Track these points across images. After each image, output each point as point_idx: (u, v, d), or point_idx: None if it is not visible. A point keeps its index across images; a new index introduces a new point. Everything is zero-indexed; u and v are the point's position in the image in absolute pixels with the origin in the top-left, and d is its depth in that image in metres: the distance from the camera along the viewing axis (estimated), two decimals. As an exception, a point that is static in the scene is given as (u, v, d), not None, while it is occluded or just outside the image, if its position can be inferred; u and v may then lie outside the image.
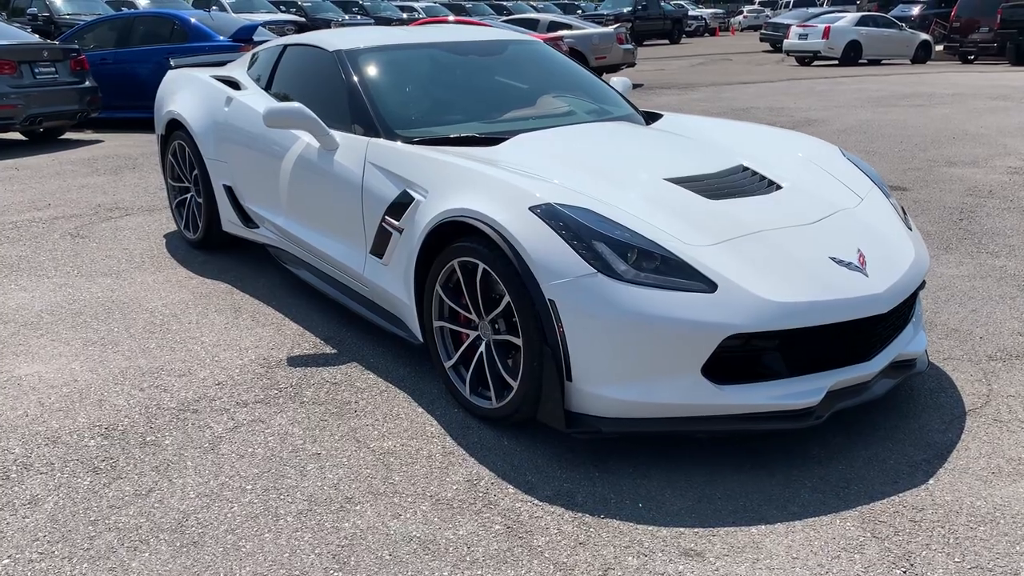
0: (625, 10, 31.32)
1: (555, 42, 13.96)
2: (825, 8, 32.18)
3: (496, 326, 3.02)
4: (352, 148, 3.79)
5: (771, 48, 28.45)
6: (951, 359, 3.64)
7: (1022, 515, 2.55)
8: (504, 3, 35.73)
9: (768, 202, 3.22)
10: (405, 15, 28.25)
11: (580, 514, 2.60)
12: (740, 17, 48.04)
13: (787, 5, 39.21)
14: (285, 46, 4.93)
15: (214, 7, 19.63)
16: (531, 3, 38.17)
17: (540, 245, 2.79)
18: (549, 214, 2.84)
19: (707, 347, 2.67)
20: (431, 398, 3.36)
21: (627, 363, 2.71)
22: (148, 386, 3.51)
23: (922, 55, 22.72)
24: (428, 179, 3.34)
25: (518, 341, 2.88)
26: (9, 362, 3.75)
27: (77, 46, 10.43)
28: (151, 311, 4.36)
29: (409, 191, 3.39)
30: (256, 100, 4.68)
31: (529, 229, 2.83)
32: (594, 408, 2.78)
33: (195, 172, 5.12)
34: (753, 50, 29.24)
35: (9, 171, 8.20)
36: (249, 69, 5.19)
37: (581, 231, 2.79)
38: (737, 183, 3.35)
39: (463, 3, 33.30)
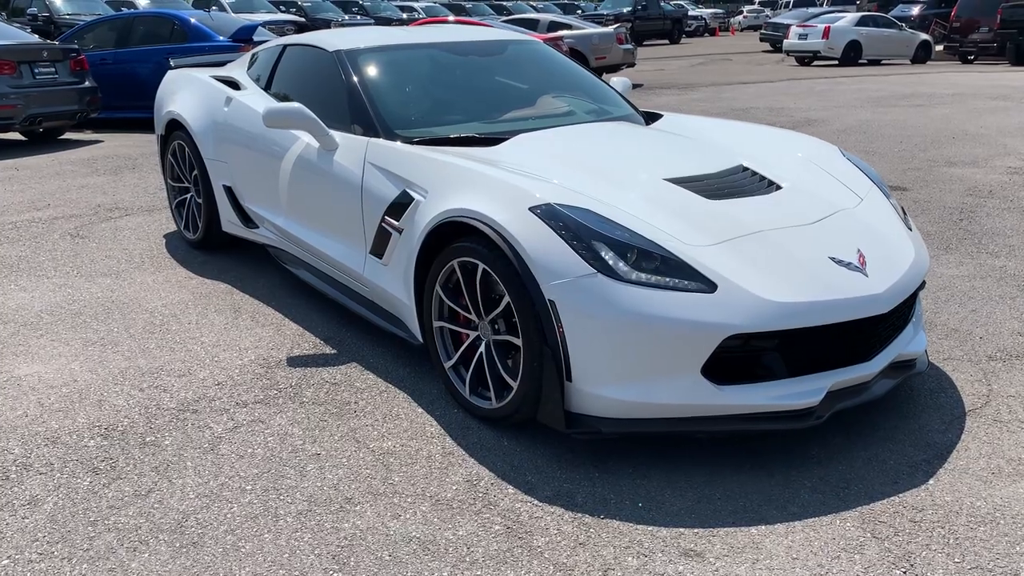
0: (625, 10, 31.32)
1: (555, 42, 13.96)
2: (825, 8, 32.18)
3: (496, 326, 3.02)
4: (352, 148, 3.79)
5: (771, 48, 28.45)
6: (951, 359, 3.64)
7: (1022, 515, 2.55)
8: (504, 3, 35.73)
9: (768, 202, 3.22)
10: (405, 15, 28.25)
11: (580, 514, 2.60)
12: (740, 17, 48.05)
13: (787, 5, 39.21)
14: (285, 46, 4.93)
15: (214, 7, 19.63)
16: (531, 3, 38.18)
17: (540, 245, 2.79)
18: (549, 214, 2.84)
19: (707, 347, 2.66)
20: (431, 398, 3.36)
21: (627, 363, 2.71)
22: (148, 386, 3.50)
23: (922, 55, 22.72)
24: (428, 179, 3.34)
25: (518, 341, 2.88)
26: (9, 362, 3.75)
27: (77, 46, 10.43)
28: (151, 311, 4.36)
29: (409, 191, 3.39)
30: (256, 100, 4.68)
31: (529, 229, 2.83)
32: (594, 408, 2.77)
33: (195, 172, 5.12)
34: (753, 50, 29.24)
35: (9, 171, 8.20)
36: (249, 69, 5.19)
37: (581, 231, 2.79)
38: (737, 183, 3.35)
39: (463, 3, 33.30)
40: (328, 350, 3.85)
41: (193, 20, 11.23)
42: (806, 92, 14.42)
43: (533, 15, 19.92)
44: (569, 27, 17.13)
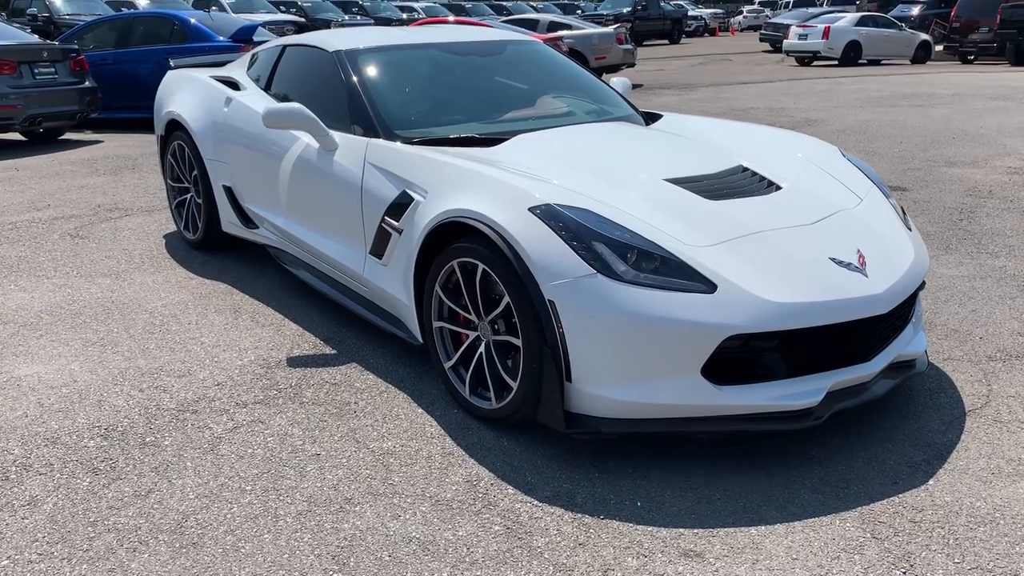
0: (625, 10, 31.33)
1: (555, 42, 13.96)
2: (825, 8, 32.18)
3: (496, 327, 3.02)
4: (351, 148, 3.79)
5: (771, 48, 28.46)
6: (951, 359, 3.64)
7: (1022, 516, 2.55)
8: (504, 3, 35.73)
9: (768, 202, 3.22)
10: (405, 15, 28.25)
11: (580, 515, 2.60)
12: (740, 17, 48.05)
13: (787, 5, 39.23)
14: (285, 46, 4.93)
15: (214, 7, 19.63)
16: (531, 3, 38.19)
17: (540, 246, 2.79)
18: (549, 215, 2.84)
19: (707, 348, 2.66)
20: (431, 399, 3.36)
21: (627, 364, 2.71)
22: (148, 387, 3.50)
23: (922, 55, 22.72)
24: (428, 180, 3.34)
25: (518, 342, 2.88)
26: (8, 363, 3.75)
27: (77, 46, 10.43)
28: (151, 312, 4.36)
29: (408, 192, 3.39)
30: (256, 100, 4.68)
31: (529, 230, 2.83)
32: (594, 409, 2.77)
33: (195, 172, 5.12)
34: (753, 50, 29.24)
35: (9, 171, 8.20)
36: (249, 69, 5.19)
37: (581, 232, 2.79)
38: (737, 183, 3.35)
39: (463, 3, 33.31)
40: (328, 350, 3.85)
41: (193, 20, 11.23)
42: (806, 92, 14.42)
43: (533, 15, 19.92)
44: (569, 27, 17.13)
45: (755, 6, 49.85)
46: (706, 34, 42.86)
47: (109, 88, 10.66)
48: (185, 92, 5.32)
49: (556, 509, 2.63)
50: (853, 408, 2.93)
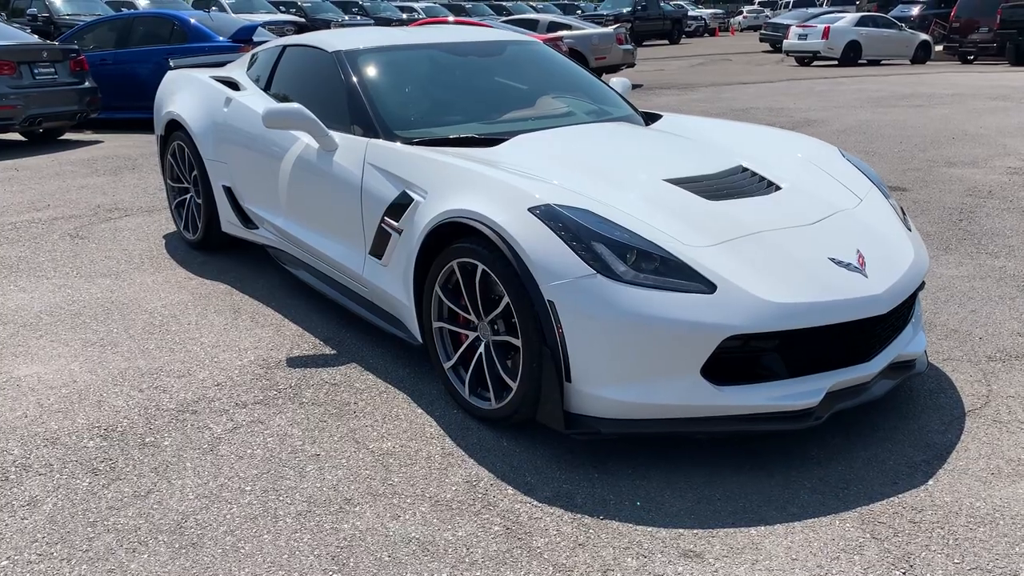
0: (625, 10, 31.33)
1: (555, 42, 13.96)
2: (825, 8, 32.18)
3: (495, 327, 3.02)
4: (351, 149, 3.79)
5: (771, 48, 28.46)
6: (951, 360, 3.64)
7: (1021, 516, 2.55)
8: (504, 3, 35.74)
9: (767, 203, 3.22)
10: (405, 16, 28.25)
11: (579, 515, 2.60)
12: (740, 17, 48.06)
13: (787, 5, 39.24)
14: (284, 47, 4.93)
15: (214, 7, 19.64)
16: (531, 3, 38.19)
17: (539, 246, 2.79)
18: (548, 215, 2.84)
19: (706, 348, 2.66)
20: (430, 399, 3.36)
21: (626, 364, 2.70)
22: (147, 387, 3.50)
23: (922, 55, 22.72)
24: (427, 180, 3.34)
25: (517, 342, 2.88)
26: (8, 363, 3.75)
27: (77, 47, 10.43)
28: (150, 312, 4.36)
29: (408, 192, 3.39)
30: (255, 101, 4.68)
31: (528, 230, 2.83)
32: (593, 409, 2.77)
33: (194, 173, 5.12)
34: (753, 50, 29.24)
35: (9, 172, 8.20)
36: (248, 70, 5.19)
37: (580, 232, 2.79)
38: (736, 184, 3.35)
39: (463, 3, 33.31)
40: (328, 351, 3.85)
41: (193, 20, 11.23)
42: (806, 92, 14.42)
43: (533, 15, 19.93)
44: (569, 27, 17.13)
45: (755, 6, 49.86)
46: (706, 34, 42.86)
47: (109, 88, 10.67)
48: (185, 92, 5.32)
49: (556, 509, 2.63)
50: (853, 408, 2.93)
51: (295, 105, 3.85)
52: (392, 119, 3.87)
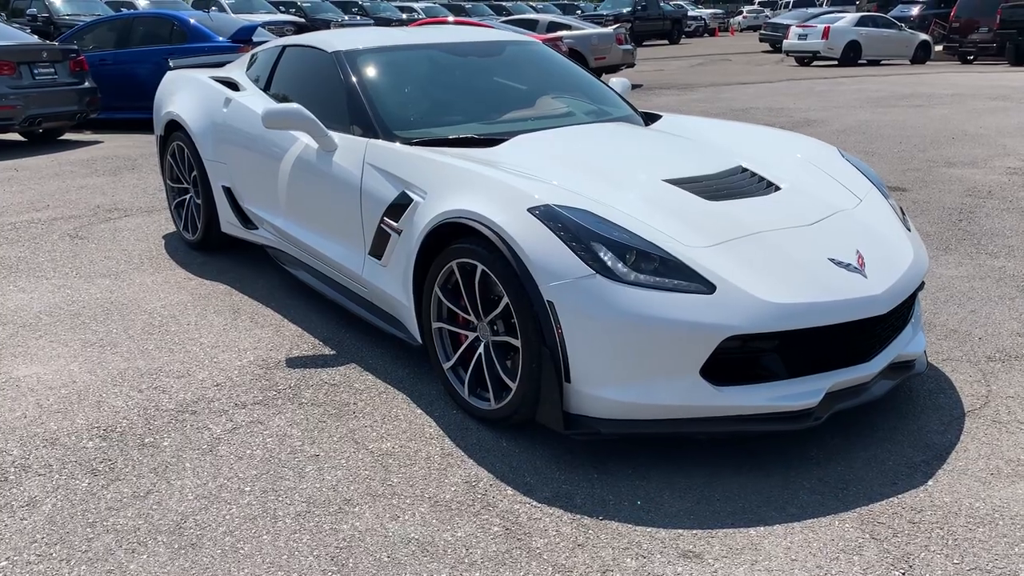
0: (624, 10, 31.33)
1: (554, 43, 13.96)
2: (824, 8, 32.19)
3: (495, 327, 3.02)
4: (351, 149, 3.79)
5: (770, 48, 28.46)
6: (950, 360, 3.64)
7: (1021, 516, 2.55)
8: (504, 3, 35.75)
9: (767, 203, 3.22)
10: (405, 16, 28.26)
11: (579, 516, 2.60)
12: (739, 17, 48.07)
13: (787, 5, 39.25)
14: (284, 47, 4.93)
15: (213, 8, 19.64)
16: (530, 4, 38.19)
17: (539, 246, 2.79)
18: (548, 215, 2.84)
19: (706, 348, 2.66)
20: (430, 399, 3.36)
21: (626, 364, 2.70)
22: (147, 387, 3.50)
23: (921, 55, 22.73)
24: (427, 180, 3.34)
25: (517, 342, 2.88)
26: (7, 363, 3.75)
27: (76, 47, 10.42)
28: (150, 312, 4.36)
29: (408, 192, 3.39)
30: (255, 101, 4.68)
31: (528, 230, 2.83)
32: (593, 409, 2.77)
33: (194, 173, 5.12)
34: (752, 50, 29.24)
35: (8, 172, 8.20)
36: (248, 70, 5.19)
37: (580, 232, 2.78)
38: (736, 184, 3.35)
39: (463, 4, 33.32)
40: (327, 351, 3.85)
41: (192, 21, 11.23)
42: (805, 92, 14.42)
43: (532, 15, 19.93)
44: (568, 27, 17.13)
45: (755, 6, 49.87)
46: (706, 34, 42.86)
47: (109, 88, 10.67)
48: (184, 93, 5.31)
49: (555, 510, 2.63)
50: (852, 409, 2.93)
51: (294, 105, 3.85)
52: (391, 119, 3.87)
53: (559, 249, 2.76)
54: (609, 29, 17.77)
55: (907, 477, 2.77)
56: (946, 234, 5.55)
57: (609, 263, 2.72)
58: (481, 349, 3.09)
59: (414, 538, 2.50)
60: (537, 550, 2.44)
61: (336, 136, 3.90)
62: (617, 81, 4.96)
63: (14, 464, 2.93)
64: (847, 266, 2.91)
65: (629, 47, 17.53)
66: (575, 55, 15.25)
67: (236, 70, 5.32)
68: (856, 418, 3.11)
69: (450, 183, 3.23)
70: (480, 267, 2.97)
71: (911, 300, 3.21)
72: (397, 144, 3.68)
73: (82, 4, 19.33)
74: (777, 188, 3.37)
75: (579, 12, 34.21)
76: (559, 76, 4.70)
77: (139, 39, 11.34)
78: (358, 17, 26.75)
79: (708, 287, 2.71)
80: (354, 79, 4.08)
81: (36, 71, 9.42)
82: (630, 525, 2.54)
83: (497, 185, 3.06)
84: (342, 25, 23.08)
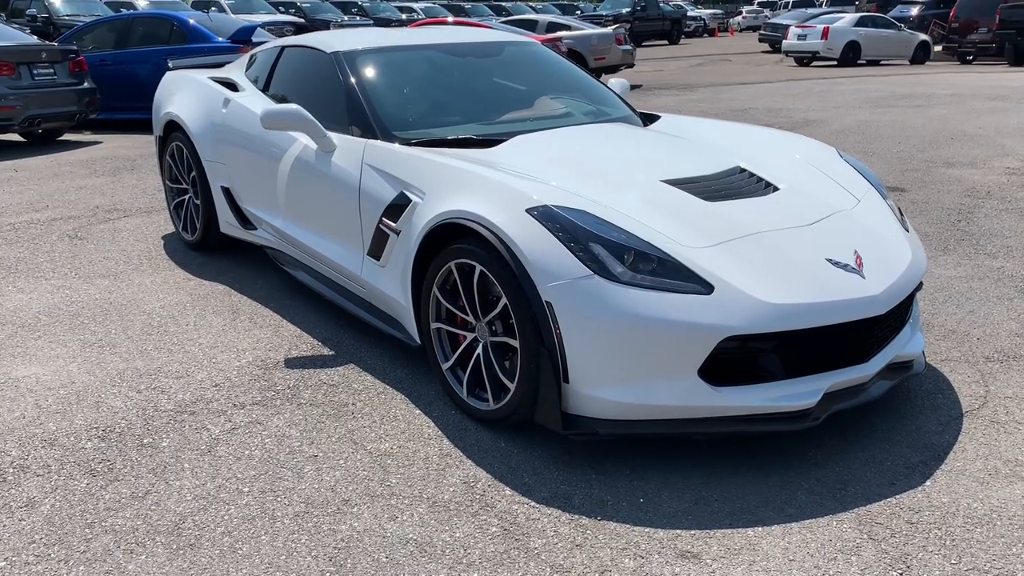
0: (624, 11, 31.35)
1: (554, 43, 13.96)
2: (824, 9, 32.20)
3: (493, 328, 3.02)
4: (349, 150, 3.79)
5: (770, 49, 28.47)
6: (948, 360, 3.64)
7: (1018, 517, 2.55)
8: (503, 4, 35.76)
9: (765, 204, 3.22)
10: (404, 16, 28.26)
11: (577, 516, 2.60)
12: (739, 18, 48.08)
13: (786, 6, 39.28)
14: (283, 47, 4.93)
15: (213, 8, 19.64)
16: (530, 4, 38.21)
17: (537, 247, 2.79)
18: (546, 216, 2.84)
19: (704, 349, 2.67)
20: (428, 400, 3.36)
21: (624, 365, 2.71)
22: (145, 388, 3.50)
23: (921, 55, 22.74)
24: (425, 181, 3.34)
25: (515, 343, 2.88)
26: (6, 364, 3.75)
27: (76, 47, 10.42)
28: (149, 313, 4.36)
29: (406, 193, 3.39)
30: (254, 102, 4.68)
31: (526, 231, 2.83)
32: (591, 410, 2.78)
33: (193, 174, 5.12)
34: (752, 51, 29.25)
35: (8, 172, 8.20)
36: (247, 70, 5.19)
37: (578, 233, 2.79)
38: (734, 185, 3.35)
39: (462, 4, 33.33)
40: (326, 352, 3.86)
41: (192, 21, 11.23)
42: (805, 93, 14.43)
43: (532, 16, 19.94)
44: (568, 28, 17.14)
45: (754, 6, 49.86)
46: (705, 34, 42.88)
47: (108, 89, 10.67)
48: (183, 93, 5.32)
49: (553, 510, 2.63)
50: (851, 409, 2.93)
51: (293, 106, 3.86)
52: (390, 120, 3.87)
53: (557, 250, 2.76)
54: (608, 29, 17.78)
55: (905, 477, 2.77)
56: (945, 234, 5.55)
57: (607, 264, 2.72)
58: (479, 349, 3.09)
59: (412, 538, 2.50)
60: (535, 550, 2.44)
61: (335, 137, 3.90)
62: (616, 82, 4.96)
63: (13, 465, 2.93)
64: (845, 266, 2.92)
65: (628, 47, 17.54)
66: (574, 55, 15.25)
67: (235, 71, 5.32)
68: (854, 418, 3.11)
69: (449, 184, 3.23)
70: (478, 268, 2.98)
71: (909, 300, 3.21)
72: (396, 145, 3.68)
73: (81, 4, 19.34)
74: (775, 188, 3.37)
75: (578, 12, 34.22)
76: (558, 77, 4.70)
77: (138, 39, 11.34)
78: (358, 18, 26.76)
79: (706, 288, 2.71)
80: (353, 80, 4.08)
81: (35, 71, 9.43)
82: (628, 525, 2.55)
83: (495, 186, 3.06)
84: (342, 25, 23.08)
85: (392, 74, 4.27)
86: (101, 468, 2.90)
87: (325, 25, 22.36)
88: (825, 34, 22.04)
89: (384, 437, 3.08)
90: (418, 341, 3.42)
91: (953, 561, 2.36)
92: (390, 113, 3.92)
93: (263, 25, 14.35)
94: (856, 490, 2.71)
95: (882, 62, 22.73)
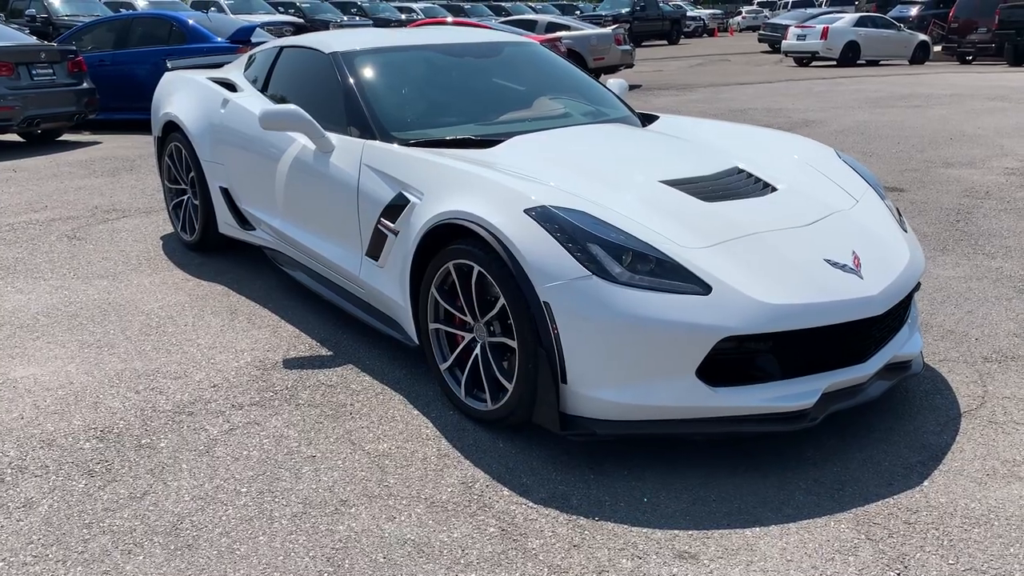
0: (623, 11, 31.36)
1: (553, 43, 13.96)
2: (824, 9, 32.21)
3: (491, 328, 3.02)
4: (348, 150, 3.79)
5: (769, 49, 28.47)
6: (947, 361, 3.64)
7: (1016, 517, 2.55)
8: (503, 4, 35.76)
9: (763, 204, 3.22)
10: (404, 16, 28.26)
11: (575, 516, 2.60)
12: (739, 18, 48.09)
13: (786, 6, 39.29)
14: (282, 48, 4.93)
15: (212, 8, 19.64)
16: (529, 4, 38.21)
17: (535, 247, 2.79)
18: (544, 216, 2.84)
19: (701, 349, 2.67)
20: (426, 400, 3.36)
21: (622, 365, 2.71)
22: (144, 388, 3.50)
23: (920, 56, 22.74)
24: (424, 181, 3.34)
25: (513, 343, 2.88)
26: (5, 364, 3.75)
27: (75, 47, 10.42)
28: (147, 313, 4.36)
29: (405, 193, 3.39)
30: (252, 102, 4.68)
31: (524, 231, 2.83)
32: (589, 410, 2.78)
33: (192, 174, 5.12)
34: (751, 51, 29.25)
35: (7, 173, 8.19)
36: (246, 71, 5.19)
37: (576, 233, 2.79)
38: (732, 185, 3.35)
39: (461, 4, 33.33)
40: (324, 352, 3.86)
41: (191, 21, 11.23)
42: (804, 93, 14.43)
43: (531, 16, 19.95)
44: (567, 28, 17.14)
45: (754, 6, 49.88)
46: (705, 35, 42.88)
47: (107, 89, 10.67)
48: (182, 94, 5.32)
49: (551, 511, 2.63)
50: (849, 409, 2.93)
51: (292, 107, 3.86)
52: (389, 120, 3.87)
53: (555, 250, 2.76)
54: (608, 30, 17.78)
55: (903, 478, 2.77)
56: (943, 235, 5.55)
57: (605, 264, 2.72)
58: (478, 350, 3.09)
59: (410, 539, 2.50)
60: (533, 551, 2.44)
61: (333, 137, 3.90)
62: (614, 82, 4.97)
63: (11, 465, 2.93)
64: (843, 267, 2.92)
65: (628, 48, 17.54)
66: (574, 56, 15.25)
67: (234, 71, 5.33)
68: (852, 419, 3.11)
69: (447, 184, 3.23)
70: (477, 268, 2.98)
71: (907, 301, 3.21)
72: (394, 145, 3.68)
73: (81, 5, 19.33)
74: (774, 189, 3.37)
75: (578, 13, 34.22)
76: (556, 77, 4.70)
77: (138, 40, 11.34)
78: (357, 18, 26.76)
79: (704, 288, 2.71)
80: (351, 80, 4.09)
81: (34, 72, 9.42)
82: (626, 526, 2.55)
83: (494, 186, 3.06)
84: (341, 26, 23.09)
85: (391, 74, 4.27)
86: (99, 469, 2.90)
87: (324, 25, 22.37)
88: (824, 34, 22.05)
89: (382, 437, 3.09)
90: (416, 341, 3.42)
91: (951, 561, 2.36)
92: (388, 113, 3.93)
93: (262, 25, 14.35)
94: (854, 490, 2.71)
95: (881, 62, 22.74)
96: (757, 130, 4.31)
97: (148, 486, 2.79)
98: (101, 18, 13.94)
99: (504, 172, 3.21)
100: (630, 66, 17.99)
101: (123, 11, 17.54)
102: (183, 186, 5.34)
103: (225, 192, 4.88)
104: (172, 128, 5.29)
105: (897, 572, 2.32)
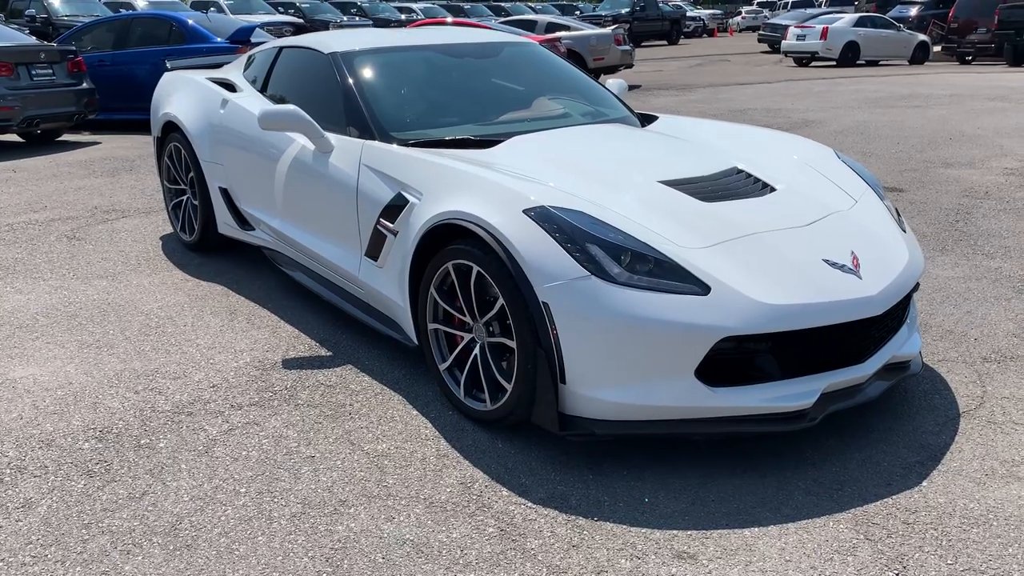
0: (623, 11, 31.37)
1: (552, 43, 13.97)
2: (823, 9, 32.22)
3: (490, 328, 3.03)
4: (347, 151, 3.79)
5: (769, 49, 28.47)
6: (946, 361, 3.65)
7: (1015, 517, 2.55)
8: (502, 4, 35.77)
9: (762, 204, 3.22)
10: (403, 16, 28.26)
11: (573, 516, 2.60)
12: (738, 18, 48.10)
13: (785, 6, 39.31)
14: (281, 48, 4.93)
15: (212, 8, 19.64)
16: (529, 4, 38.21)
17: (534, 248, 2.79)
18: (543, 217, 2.84)
19: (700, 349, 2.67)
20: (425, 400, 3.36)
21: (621, 366, 2.71)
22: (143, 389, 3.50)
23: (920, 56, 22.75)
24: (423, 181, 3.34)
25: (512, 344, 2.89)
26: (4, 365, 3.75)
27: (74, 48, 10.42)
28: (147, 313, 4.36)
29: (404, 193, 3.39)
30: (252, 102, 4.68)
31: (523, 232, 2.83)
32: (588, 411, 2.78)
33: (191, 174, 5.12)
34: (751, 51, 29.26)
35: (6, 173, 8.19)
36: (245, 71, 5.19)
37: (575, 234, 2.79)
38: (731, 185, 3.35)
39: (461, 4, 33.33)
40: (323, 352, 3.86)
41: (191, 22, 11.23)
42: (804, 93, 14.43)
43: (531, 16, 19.95)
44: (567, 28, 17.14)
45: (753, 7, 49.88)
46: (704, 35, 42.89)
47: (107, 89, 10.67)
48: (181, 94, 5.32)
49: (550, 511, 2.63)
50: (848, 409, 2.93)
51: (291, 107, 3.86)
52: (388, 121, 3.87)
53: (554, 250, 2.76)
54: (607, 30, 17.79)
55: (902, 478, 2.77)
56: (943, 235, 5.55)
57: (604, 264, 2.72)
58: (477, 350, 3.10)
59: (409, 539, 2.50)
60: (532, 551, 2.44)
61: (332, 137, 3.90)
62: (614, 82, 4.97)
63: (10, 465, 2.93)
64: (842, 267, 2.92)
65: (627, 48, 17.54)
66: (573, 56, 15.25)
67: (233, 71, 5.33)
68: (851, 419, 3.11)
69: (446, 184, 3.23)
70: (476, 268, 2.98)
71: (906, 301, 3.21)
72: (393, 145, 3.68)
73: (80, 5, 19.33)
74: (772, 189, 3.38)
75: (578, 13, 34.24)
76: (556, 77, 4.70)
77: (137, 40, 11.34)
78: (357, 18, 26.76)
79: (703, 288, 2.71)
80: (351, 80, 4.09)
81: (34, 72, 9.42)
82: (625, 526, 2.55)
83: (493, 186, 3.06)
84: (341, 26, 23.10)
85: (390, 75, 4.27)
86: (98, 469, 2.90)
87: (324, 25, 22.37)
88: (824, 34, 22.05)
89: (381, 438, 3.09)
90: (415, 342, 3.42)
91: (949, 561, 2.36)
92: (388, 114, 3.93)
93: (262, 25, 14.34)
94: (853, 490, 2.71)
95: (881, 62, 22.74)
96: (756, 130, 4.31)
97: (147, 486, 2.79)
98: (101, 18, 13.94)
99: (503, 172, 3.21)
100: (630, 66, 17.99)
101: (123, 11, 17.55)
102: (182, 186, 5.34)
103: (224, 192, 4.88)
104: (171, 128, 5.29)
105: (896, 572, 2.32)
